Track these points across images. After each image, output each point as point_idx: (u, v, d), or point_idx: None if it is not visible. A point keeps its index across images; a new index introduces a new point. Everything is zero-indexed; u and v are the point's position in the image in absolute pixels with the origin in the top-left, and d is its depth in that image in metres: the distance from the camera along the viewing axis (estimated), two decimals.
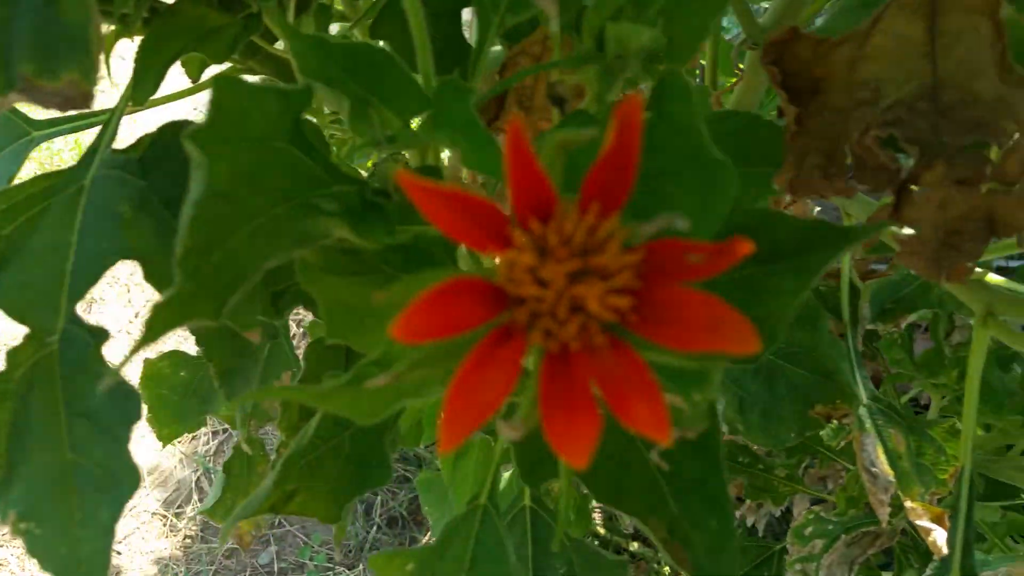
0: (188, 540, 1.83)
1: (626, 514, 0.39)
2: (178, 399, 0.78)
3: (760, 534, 1.31)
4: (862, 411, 0.54)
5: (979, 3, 0.32)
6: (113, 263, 0.39)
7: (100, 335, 0.39)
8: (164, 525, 1.87)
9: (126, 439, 0.37)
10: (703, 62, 0.71)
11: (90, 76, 0.34)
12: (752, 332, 0.22)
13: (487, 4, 0.35)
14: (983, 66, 0.33)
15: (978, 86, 0.33)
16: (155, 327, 0.27)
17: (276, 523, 1.84)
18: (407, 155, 0.42)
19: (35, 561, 0.37)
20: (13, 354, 0.38)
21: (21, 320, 0.38)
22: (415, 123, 0.38)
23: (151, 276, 0.39)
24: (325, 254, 0.35)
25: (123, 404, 0.38)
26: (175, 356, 0.79)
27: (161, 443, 0.81)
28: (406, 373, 0.25)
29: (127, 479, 0.37)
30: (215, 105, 0.28)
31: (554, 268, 0.22)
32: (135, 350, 0.28)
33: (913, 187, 0.34)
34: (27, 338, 0.38)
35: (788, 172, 0.38)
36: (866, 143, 0.34)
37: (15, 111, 0.53)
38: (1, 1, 0.30)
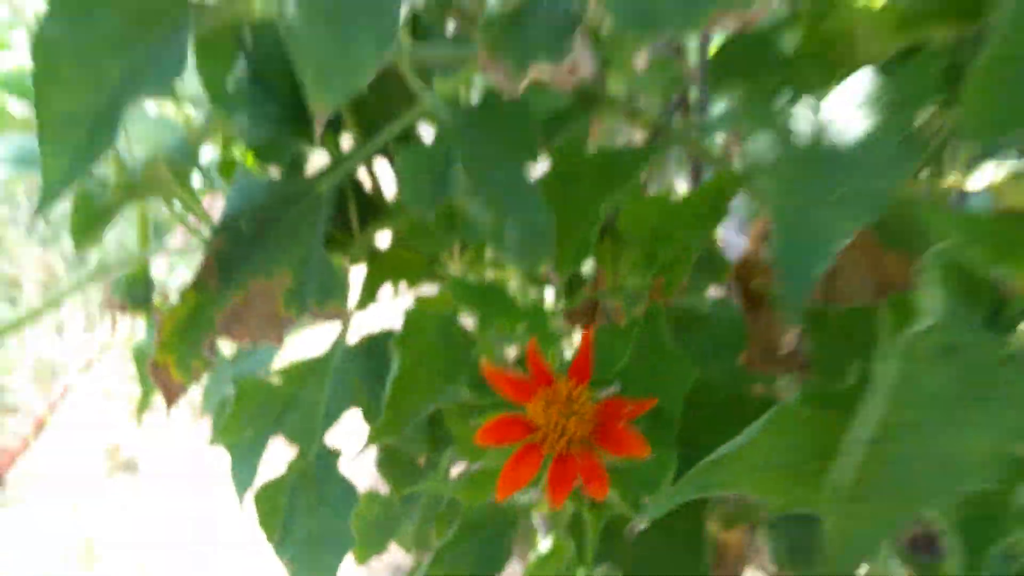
0: None
1: None
2: (369, 529, 1.10)
3: None
4: None
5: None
6: (346, 411, 0.72)
7: (337, 455, 0.71)
8: None
9: (348, 514, 0.68)
10: None
11: (344, 304, 0.67)
12: (644, 447, 0.48)
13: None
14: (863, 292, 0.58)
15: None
16: (374, 438, 0.58)
17: None
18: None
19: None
20: (290, 465, 0.71)
21: (294, 443, 0.71)
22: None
23: (366, 415, 0.71)
24: (459, 407, 0.65)
25: (348, 499, 0.69)
26: (372, 496, 1.12)
27: (356, 562, 1.12)
28: (485, 464, 0.53)
29: (345, 541, 0.68)
30: (406, 325, 0.60)
31: (552, 410, 0.50)
32: (367, 444, 0.59)
33: None
34: (297, 455, 0.71)
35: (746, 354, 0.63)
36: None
37: None
38: (293, 260, 0.65)
